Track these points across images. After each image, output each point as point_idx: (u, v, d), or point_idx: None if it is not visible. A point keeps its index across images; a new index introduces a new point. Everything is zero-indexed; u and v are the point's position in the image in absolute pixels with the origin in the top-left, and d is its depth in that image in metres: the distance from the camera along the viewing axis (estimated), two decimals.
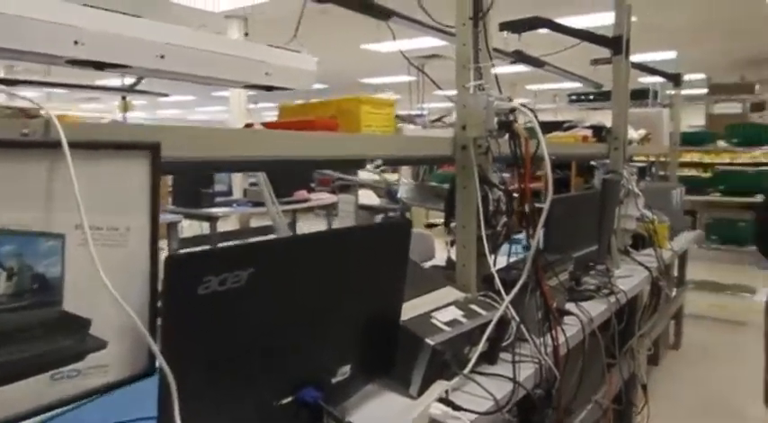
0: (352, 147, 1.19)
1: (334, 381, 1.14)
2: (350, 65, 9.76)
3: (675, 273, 4.23)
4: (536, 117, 1.43)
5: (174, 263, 0.75)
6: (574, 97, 5.12)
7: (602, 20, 4.02)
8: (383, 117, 1.31)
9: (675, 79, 4.22)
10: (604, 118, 3.11)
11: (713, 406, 3.35)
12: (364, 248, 1.17)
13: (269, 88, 1.50)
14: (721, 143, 5.20)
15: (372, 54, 8.32)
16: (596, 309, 2.05)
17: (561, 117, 7.65)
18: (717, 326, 4.75)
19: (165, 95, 4.84)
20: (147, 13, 1.27)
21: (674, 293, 4.17)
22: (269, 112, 15.29)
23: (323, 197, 6.69)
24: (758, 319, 2.33)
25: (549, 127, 4.37)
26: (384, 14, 2.10)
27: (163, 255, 0.83)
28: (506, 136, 1.49)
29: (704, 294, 5.07)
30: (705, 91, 7.72)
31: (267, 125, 1.22)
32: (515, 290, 1.48)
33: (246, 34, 6.56)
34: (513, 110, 1.43)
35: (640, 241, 3.08)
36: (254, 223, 6.50)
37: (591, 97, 4.88)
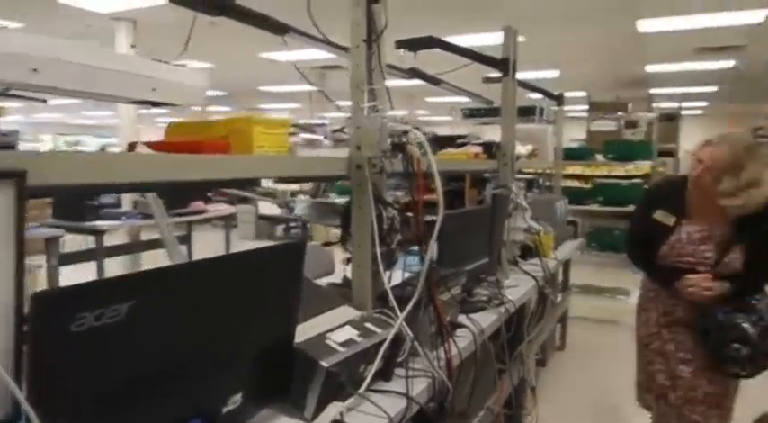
0: (244, 169, 1.17)
1: (224, 410, 1.11)
2: (249, 73, 9.58)
3: (561, 278, 4.53)
4: (427, 140, 1.47)
5: (42, 301, 0.70)
6: (467, 112, 5.35)
7: (497, 39, 4.24)
8: (277, 137, 1.30)
9: (558, 99, 4.52)
10: (496, 133, 3.27)
11: (596, 403, 3.60)
12: (255, 272, 1.15)
13: (155, 104, 1.44)
14: (600, 157, 5.64)
15: (272, 63, 8.21)
16: (487, 319, 2.14)
17: (458, 130, 7.95)
18: (598, 326, 5.12)
19: (43, 101, 4.50)
20: (32, 14, 1.17)
21: (559, 298, 4.45)
22: (162, 118, 14.65)
23: (221, 208, 6.49)
24: (631, 319, 2.54)
25: (444, 141, 4.53)
26: (280, 29, 2.08)
27: (39, 275, 0.77)
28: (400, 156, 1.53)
29: (586, 297, 5.45)
30: (586, 108, 8.34)
31: (153, 146, 1.17)
32: (409, 307, 1.51)
33: (133, 46, 6.22)
34: (406, 132, 1.48)
35: (528, 251, 3.27)
36: (145, 236, 6.18)
37: (483, 112, 5.11)
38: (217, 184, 1.74)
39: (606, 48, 7.11)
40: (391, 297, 1.52)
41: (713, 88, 10.75)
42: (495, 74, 3.19)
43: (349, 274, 1.64)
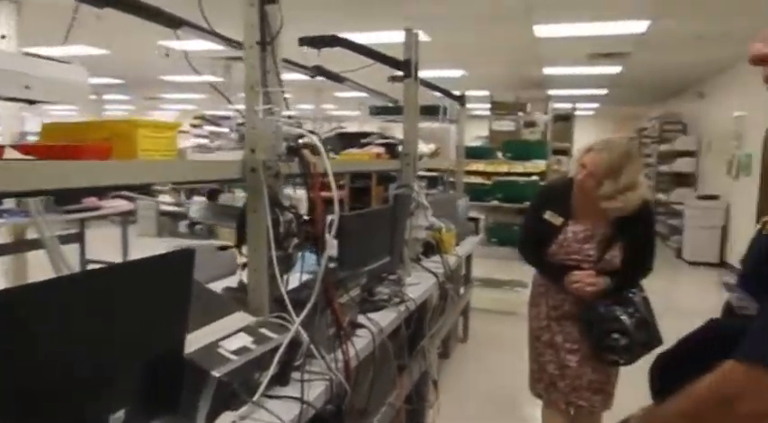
0: (127, 175, 1.11)
1: None
2: (149, 61, 9.10)
3: (464, 272, 4.69)
4: (331, 137, 1.47)
5: None
6: (374, 110, 5.40)
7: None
8: (164, 141, 1.25)
9: (460, 100, 4.66)
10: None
11: (495, 392, 3.77)
12: (140, 283, 1.10)
13: (31, 102, 1.34)
14: (501, 156, 5.88)
15: (172, 51, 7.84)
16: (387, 318, 2.18)
17: (367, 126, 7.99)
18: (498, 317, 5.36)
19: None
20: None
21: (461, 291, 4.61)
22: (55, 107, 13.59)
23: (117, 204, 6.13)
24: (526, 310, 2.68)
25: (350, 138, 4.54)
26: (174, 23, 2.00)
27: None
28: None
29: (488, 290, 5.68)
30: (489, 106, 8.66)
31: (25, 149, 1.08)
32: (305, 311, 1.51)
33: (3, 36, 5.66)
34: (301, 136, 1.46)
35: (431, 249, 3.35)
36: (32, 234, 5.73)
37: (389, 110, 5.18)
38: (98, 190, 1.65)
39: (506, 50, 7.41)
40: (287, 302, 1.51)
41: (604, 91, 11.49)
42: (401, 73, 3.23)
43: (245, 279, 1.61)
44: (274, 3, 1.54)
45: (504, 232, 5.12)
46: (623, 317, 2.22)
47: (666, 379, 0.89)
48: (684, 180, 9.87)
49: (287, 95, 1.58)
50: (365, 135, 4.39)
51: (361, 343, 1.89)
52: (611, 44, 6.95)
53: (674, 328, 5.17)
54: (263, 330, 1.47)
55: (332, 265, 2.06)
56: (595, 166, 2.16)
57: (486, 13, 5.69)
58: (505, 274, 6.01)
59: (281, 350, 1.43)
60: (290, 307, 1.52)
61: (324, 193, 1.55)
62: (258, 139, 1.48)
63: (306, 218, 1.57)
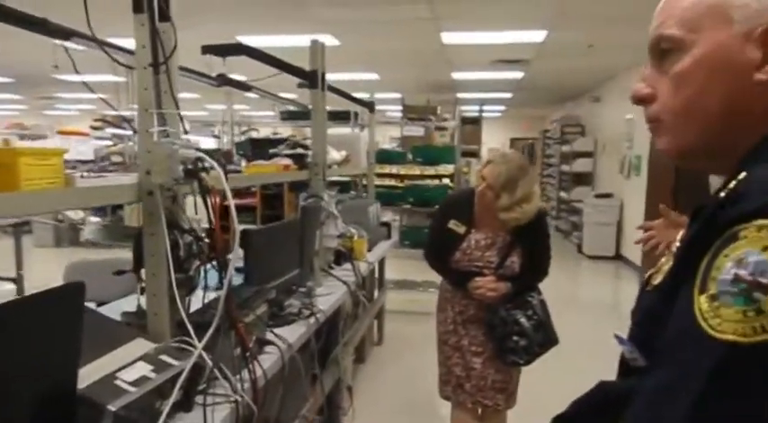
0: (10, 208, 1.06)
1: None
2: (43, 58, 8.52)
3: (377, 276, 4.75)
4: (223, 166, 1.46)
5: None
6: (285, 115, 5.36)
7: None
8: (50, 169, 1.19)
9: (370, 106, 4.72)
10: None
11: (409, 394, 3.85)
12: (25, 322, 1.05)
13: None
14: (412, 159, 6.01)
15: (67, 49, 7.38)
16: (297, 331, 2.19)
17: (282, 128, 7.89)
18: (412, 318, 5.47)
19: None
20: None
21: (376, 295, 4.68)
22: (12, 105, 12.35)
23: None
24: None
25: (263, 143, 4.48)
26: (63, 34, 1.91)
27: None
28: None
29: (402, 292, 5.79)
30: (401, 107, 8.80)
31: None
32: (208, 335, 1.49)
33: None
34: (199, 159, 1.45)
35: (343, 256, 3.39)
36: None
37: (300, 115, 5.17)
38: None
39: (416, 55, 7.57)
40: (189, 326, 1.48)
41: (509, 94, 11.99)
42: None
43: (144, 304, 1.56)
44: (167, 21, 1.51)
45: (417, 235, 5.25)
46: (522, 320, 2.36)
47: None
48: (583, 179, 10.50)
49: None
50: (277, 141, 4.36)
51: (269, 360, 1.89)
52: (513, 51, 7.28)
53: (576, 319, 5.55)
54: (164, 357, 1.44)
55: (239, 281, 2.05)
56: (494, 178, 2.28)
57: (395, 20, 5.79)
58: (419, 275, 6.14)
59: (183, 376, 1.41)
60: (191, 331, 1.50)
61: (237, 202, 1.54)
62: (154, 162, 1.45)
63: (207, 240, 1.55)
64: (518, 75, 9.13)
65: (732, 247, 0.59)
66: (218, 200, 1.47)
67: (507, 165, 2.29)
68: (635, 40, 6.61)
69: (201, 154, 1.44)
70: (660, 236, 1.95)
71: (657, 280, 0.77)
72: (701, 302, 0.60)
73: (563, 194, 11.00)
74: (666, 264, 0.76)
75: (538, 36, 6.35)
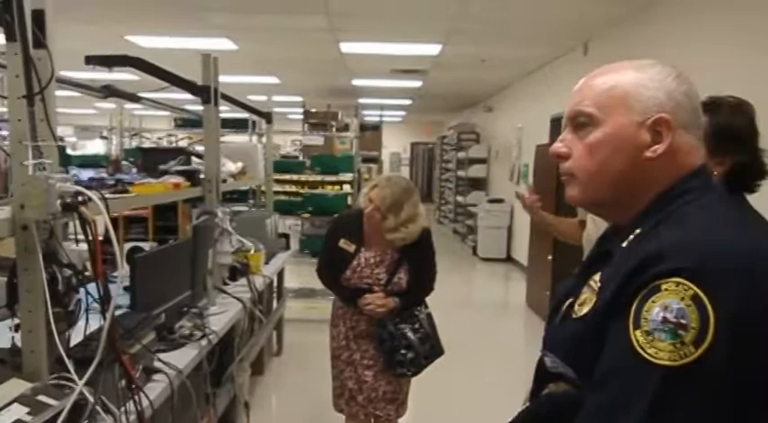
0: None
1: None
2: None
3: (276, 287, 4.74)
4: (105, 200, 1.45)
5: None
6: (180, 122, 5.21)
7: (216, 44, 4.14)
8: None
9: (267, 117, 4.70)
10: None
11: (307, 405, 3.86)
12: None
13: None
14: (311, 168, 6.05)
15: None
16: (189, 355, 2.17)
17: (181, 135, 7.60)
18: (312, 325, 5.48)
19: None
20: None
21: (274, 306, 4.67)
22: None
23: None
24: None
25: (155, 153, 4.33)
26: None
27: None
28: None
29: (301, 300, 5.80)
30: (302, 109, 8.79)
31: None
32: (90, 370, 1.47)
33: None
34: (78, 193, 1.42)
35: (239, 272, 3.36)
36: None
37: (194, 123, 5.05)
38: None
39: (316, 62, 7.61)
40: (68, 363, 1.45)
41: (409, 101, 12.33)
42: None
43: (18, 342, 1.51)
44: (43, 48, 1.47)
45: (317, 243, 5.28)
46: (410, 333, 2.49)
47: None
48: (478, 184, 11.01)
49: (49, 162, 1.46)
50: (170, 152, 4.23)
51: (158, 388, 1.87)
52: (410, 62, 7.52)
53: (471, 318, 5.83)
54: (42, 397, 1.40)
55: (125, 310, 2.01)
56: (380, 201, 2.39)
57: (293, 28, 5.80)
58: (318, 283, 6.14)
59: (63, 417, 1.38)
60: (71, 368, 1.47)
61: (128, 213, 1.51)
62: (29, 196, 1.40)
63: (87, 273, 1.52)
64: (417, 83, 9.42)
65: (657, 296, 0.80)
66: (97, 235, 1.45)
67: (392, 188, 2.41)
68: (523, 57, 7.07)
69: (80, 188, 1.41)
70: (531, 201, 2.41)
71: (582, 312, 0.93)
72: (638, 336, 0.80)
73: (459, 199, 11.47)
74: (588, 299, 0.94)
75: (433, 49, 6.61)
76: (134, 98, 3.39)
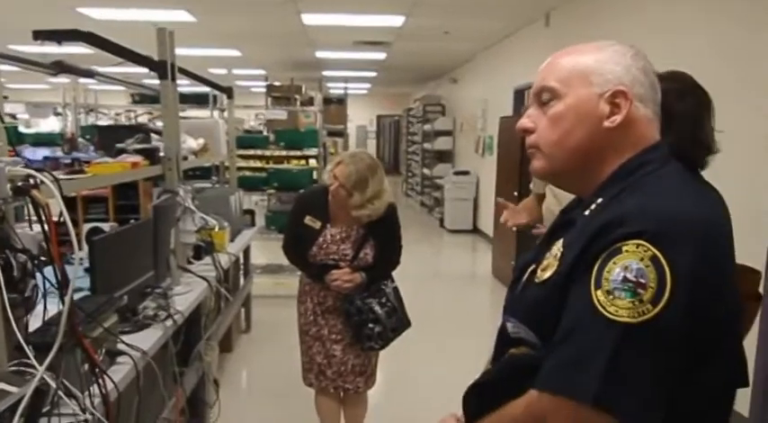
0: None
1: None
2: None
3: (242, 264, 4.71)
4: (58, 183, 1.41)
5: None
6: (138, 98, 5.05)
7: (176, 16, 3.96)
8: None
9: (228, 92, 4.60)
10: None
11: (277, 381, 3.88)
12: None
13: None
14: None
15: None
16: (154, 336, 2.15)
17: (140, 111, 7.36)
18: (280, 301, 5.49)
19: None
20: None
21: (241, 283, 4.65)
22: None
23: None
24: None
25: (112, 130, 4.21)
26: None
27: None
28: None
29: (268, 276, 5.79)
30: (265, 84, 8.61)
31: None
32: (51, 355, 1.45)
33: None
34: (29, 176, 1.38)
35: (203, 250, 3.32)
36: None
37: (152, 99, 4.90)
38: None
39: (278, 34, 7.45)
40: (27, 350, 1.43)
41: (374, 73, 12.20)
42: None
43: None
44: None
45: (283, 219, 5.25)
46: (377, 308, 2.51)
47: (478, 404, 1.06)
48: (444, 157, 11.05)
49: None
50: (128, 129, 4.12)
51: (123, 370, 1.86)
52: (373, 34, 7.43)
53: (438, 289, 5.93)
54: (2, 385, 1.38)
55: (85, 293, 1.97)
56: (345, 178, 2.39)
57: (253, 1, 5.66)
58: (285, 259, 6.18)
59: (24, 403, 1.36)
60: (30, 354, 1.44)
61: (86, 193, 1.48)
62: None
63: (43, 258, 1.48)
64: (381, 55, 9.32)
65: (619, 257, 0.84)
66: (51, 218, 1.41)
67: (357, 165, 2.40)
68: (486, 28, 7.06)
69: (31, 171, 1.37)
70: (509, 216, 2.53)
71: (545, 276, 0.97)
72: (599, 295, 0.84)
73: (426, 171, 11.50)
74: (550, 264, 0.97)
75: (396, 21, 6.53)
76: (88, 74, 3.26)
